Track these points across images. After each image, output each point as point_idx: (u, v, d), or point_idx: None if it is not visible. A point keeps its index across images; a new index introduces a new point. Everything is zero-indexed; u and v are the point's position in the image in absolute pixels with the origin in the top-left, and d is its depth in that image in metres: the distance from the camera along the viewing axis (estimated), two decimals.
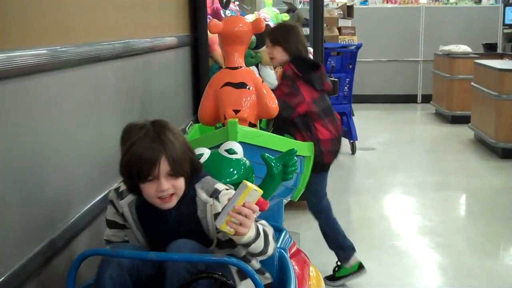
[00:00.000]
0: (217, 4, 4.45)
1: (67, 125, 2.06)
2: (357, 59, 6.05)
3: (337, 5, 7.56)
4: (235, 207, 1.59)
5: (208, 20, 2.96)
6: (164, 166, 1.64)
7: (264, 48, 4.14)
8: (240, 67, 2.75)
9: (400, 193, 4.88)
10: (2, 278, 1.60)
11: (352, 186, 5.26)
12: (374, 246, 3.74)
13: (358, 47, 6.08)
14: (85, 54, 2.24)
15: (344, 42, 6.51)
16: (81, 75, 2.22)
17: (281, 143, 2.65)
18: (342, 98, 6.12)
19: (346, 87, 6.10)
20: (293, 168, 2.14)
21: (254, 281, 1.55)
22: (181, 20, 4.02)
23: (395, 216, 4.29)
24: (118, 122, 2.61)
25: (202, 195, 1.75)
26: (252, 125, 2.72)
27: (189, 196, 1.75)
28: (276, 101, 2.76)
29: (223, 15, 4.43)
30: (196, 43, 4.18)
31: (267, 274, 1.89)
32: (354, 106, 8.46)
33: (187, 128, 3.31)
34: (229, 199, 1.65)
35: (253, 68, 3.71)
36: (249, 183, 1.61)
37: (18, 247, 1.70)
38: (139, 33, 3.05)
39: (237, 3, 5.05)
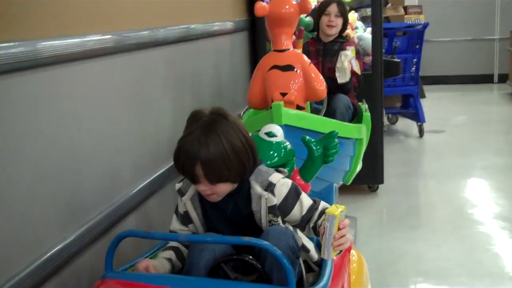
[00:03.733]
0: None
1: (113, 111, 2.12)
2: (427, 39, 5.86)
3: None
4: (335, 237, 1.58)
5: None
6: (199, 171, 1.62)
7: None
8: (288, 49, 2.74)
9: (468, 176, 4.71)
10: (48, 254, 1.68)
11: (417, 169, 5.12)
12: (434, 230, 3.64)
13: (425, 26, 5.89)
14: (136, 40, 2.30)
15: (411, 22, 6.33)
16: (130, 61, 2.28)
17: (329, 125, 2.62)
18: (409, 80, 5.96)
19: (413, 68, 5.94)
20: (333, 151, 2.12)
21: (283, 265, 1.52)
22: (238, 5, 4.03)
23: (460, 201, 4.16)
24: (169, 108, 2.67)
25: (257, 188, 1.73)
26: (300, 108, 2.70)
27: (244, 189, 1.75)
28: (324, 84, 2.73)
29: None
30: (254, 28, 4.19)
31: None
32: (426, 87, 8.30)
33: (242, 113, 3.33)
34: (323, 234, 1.61)
35: None
36: (336, 211, 1.58)
37: (62, 228, 1.77)
38: (195, 19, 3.09)
39: None
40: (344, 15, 3.53)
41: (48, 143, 1.71)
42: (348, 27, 4.64)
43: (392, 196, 4.26)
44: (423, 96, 8.10)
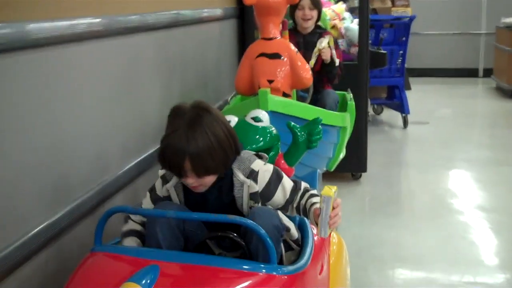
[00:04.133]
0: None
1: (102, 93, 2.18)
2: (414, 32, 5.91)
3: None
4: (331, 216, 1.66)
5: None
6: (187, 165, 1.67)
7: None
8: (275, 37, 2.81)
9: (449, 167, 4.82)
10: (38, 229, 1.75)
11: (400, 159, 5.22)
12: (414, 218, 3.74)
13: (412, 19, 5.97)
14: (125, 24, 2.35)
15: (398, 14, 6.41)
16: (119, 45, 2.33)
17: (314, 113, 2.69)
18: (395, 71, 6.05)
19: (399, 60, 6.03)
20: (317, 137, 2.19)
21: (265, 243, 1.59)
22: None
23: (440, 190, 4.26)
24: (156, 91, 2.73)
25: (240, 175, 1.79)
26: (286, 95, 2.77)
27: (228, 176, 1.80)
28: (309, 72, 2.81)
29: None
30: (243, 15, 4.24)
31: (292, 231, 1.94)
32: (412, 80, 8.40)
33: (229, 99, 3.40)
34: (319, 215, 1.68)
35: None
36: (330, 192, 1.65)
37: (50, 205, 1.84)
38: (184, 5, 3.14)
39: None
40: (317, 6, 3.56)
41: (37, 123, 1.76)
42: (336, 17, 4.73)
43: (374, 184, 4.35)
44: (409, 88, 8.20)
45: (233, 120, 2.16)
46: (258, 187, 1.79)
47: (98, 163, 2.13)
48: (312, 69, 3.34)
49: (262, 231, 1.59)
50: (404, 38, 6.00)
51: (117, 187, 2.24)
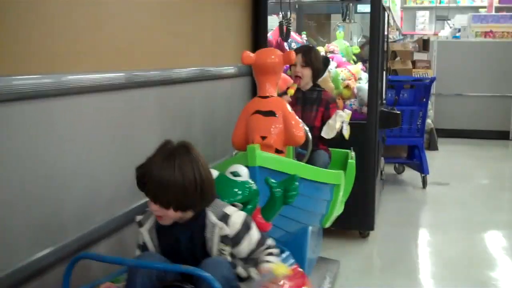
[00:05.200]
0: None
1: (97, 141, 2.30)
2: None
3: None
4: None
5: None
6: (150, 188, 1.82)
7: (321, 79, 4.29)
8: (271, 96, 2.91)
9: (463, 230, 4.76)
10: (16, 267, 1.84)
11: (412, 219, 5.17)
12: (420, 283, 3.71)
13: (432, 80, 6.04)
14: (131, 79, 2.54)
15: (418, 75, 6.49)
16: (121, 98, 2.48)
17: (302, 169, 2.76)
18: (415, 131, 6.08)
19: (419, 121, 6.06)
20: (293, 193, 2.26)
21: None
22: (241, 51, 4.22)
23: (450, 253, 4.21)
24: (155, 144, 2.84)
25: (212, 217, 1.91)
26: (279, 151, 2.85)
27: (201, 218, 1.91)
28: (303, 130, 2.89)
29: (286, 48, 4.60)
30: None
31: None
32: (440, 140, 8.40)
33: (234, 153, 3.49)
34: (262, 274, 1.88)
35: None
36: (277, 271, 1.85)
37: (32, 244, 1.94)
38: (199, 62, 3.30)
39: (304, 35, 5.20)
40: (312, 64, 3.60)
41: (31, 164, 1.90)
42: (351, 77, 4.83)
43: (381, 244, 4.34)
44: (435, 149, 8.20)
45: (213, 174, 2.25)
46: (229, 230, 1.89)
47: (86, 208, 2.24)
48: (313, 127, 3.44)
49: (217, 285, 1.66)
50: (424, 99, 6.04)
51: (102, 234, 2.33)
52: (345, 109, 3.58)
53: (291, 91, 3.48)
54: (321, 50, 5.02)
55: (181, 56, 3.13)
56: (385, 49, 5.62)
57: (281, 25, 4.32)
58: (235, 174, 2.23)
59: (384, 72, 5.15)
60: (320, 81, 4.26)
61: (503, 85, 9.30)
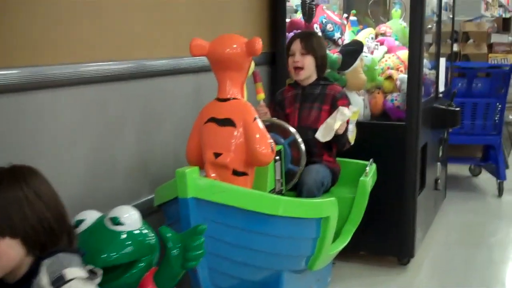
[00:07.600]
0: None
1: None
2: None
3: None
4: None
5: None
6: None
7: (351, 69, 3.50)
8: (233, 98, 2.19)
9: None
10: None
11: (476, 237, 4.20)
12: None
13: None
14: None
15: (496, 62, 5.42)
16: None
17: (259, 200, 2.02)
18: (491, 128, 5.07)
19: (496, 116, 5.06)
20: (196, 253, 1.53)
21: None
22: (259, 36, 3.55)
23: None
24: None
25: (43, 278, 1.34)
26: (238, 173, 2.13)
27: (33, 273, 1.36)
28: (270, 146, 2.14)
29: (317, 30, 3.81)
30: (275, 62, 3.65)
31: None
32: None
33: None
34: None
35: None
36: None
37: None
38: None
39: (345, 15, 4.36)
40: (313, 50, 2.84)
41: None
42: (401, 65, 3.95)
43: (425, 273, 3.49)
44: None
45: (90, 217, 1.58)
46: None
47: None
48: (314, 132, 2.70)
49: None
50: (503, 90, 5.03)
51: None
52: (351, 106, 2.77)
53: (261, 96, 2.74)
54: (371, 32, 4.18)
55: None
56: (452, 29, 4.71)
57: (303, 3, 3.58)
58: (115, 221, 1.54)
59: (444, 59, 4.24)
60: (349, 71, 3.48)
61: None
